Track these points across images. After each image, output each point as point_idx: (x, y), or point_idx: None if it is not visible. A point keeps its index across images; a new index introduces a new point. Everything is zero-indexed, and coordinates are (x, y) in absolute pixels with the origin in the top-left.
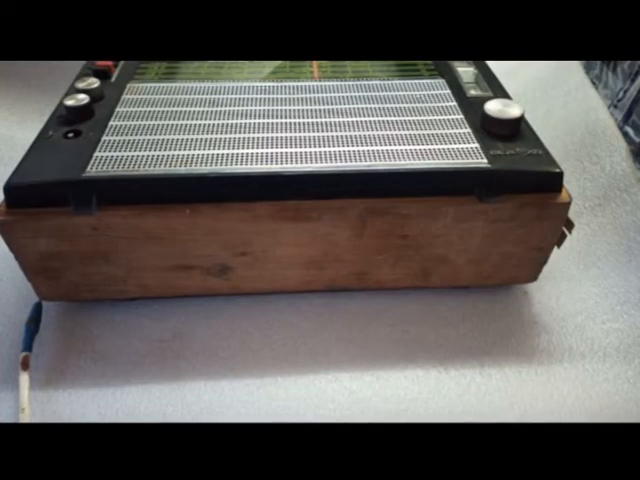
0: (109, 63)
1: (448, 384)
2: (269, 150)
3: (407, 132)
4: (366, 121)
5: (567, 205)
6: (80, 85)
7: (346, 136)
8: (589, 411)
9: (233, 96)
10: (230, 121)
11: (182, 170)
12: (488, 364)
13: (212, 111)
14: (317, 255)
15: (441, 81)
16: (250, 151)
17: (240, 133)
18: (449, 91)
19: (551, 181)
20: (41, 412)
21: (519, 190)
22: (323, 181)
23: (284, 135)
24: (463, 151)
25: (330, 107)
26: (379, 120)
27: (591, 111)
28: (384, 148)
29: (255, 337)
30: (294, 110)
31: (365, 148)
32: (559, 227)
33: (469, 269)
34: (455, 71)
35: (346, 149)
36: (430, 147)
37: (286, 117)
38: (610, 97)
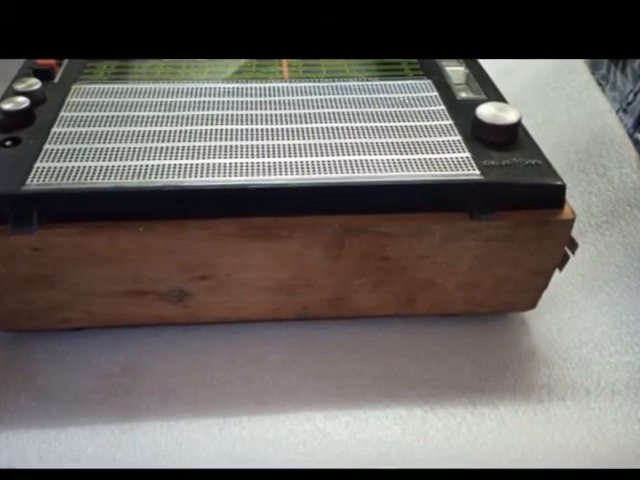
0: (52, 62)
1: (435, 425)
2: (233, 160)
3: (389, 140)
4: (342, 127)
5: (570, 222)
6: (19, 87)
7: (320, 144)
8: (595, 455)
9: (192, 99)
10: (189, 127)
11: (134, 183)
12: (481, 402)
13: (168, 116)
14: (287, 279)
15: (427, 82)
16: (211, 161)
17: (200, 141)
18: (436, 93)
19: (552, 195)
20: None
21: (515, 205)
22: (294, 195)
23: (249, 143)
24: (452, 161)
25: (302, 111)
26: (357, 126)
27: (597, 116)
28: (362, 158)
29: (217, 372)
30: (261, 115)
31: (341, 158)
32: (561, 247)
33: (459, 295)
34: (443, 71)
35: (320, 159)
36: (415, 157)
37: (252, 123)
38: (619, 100)
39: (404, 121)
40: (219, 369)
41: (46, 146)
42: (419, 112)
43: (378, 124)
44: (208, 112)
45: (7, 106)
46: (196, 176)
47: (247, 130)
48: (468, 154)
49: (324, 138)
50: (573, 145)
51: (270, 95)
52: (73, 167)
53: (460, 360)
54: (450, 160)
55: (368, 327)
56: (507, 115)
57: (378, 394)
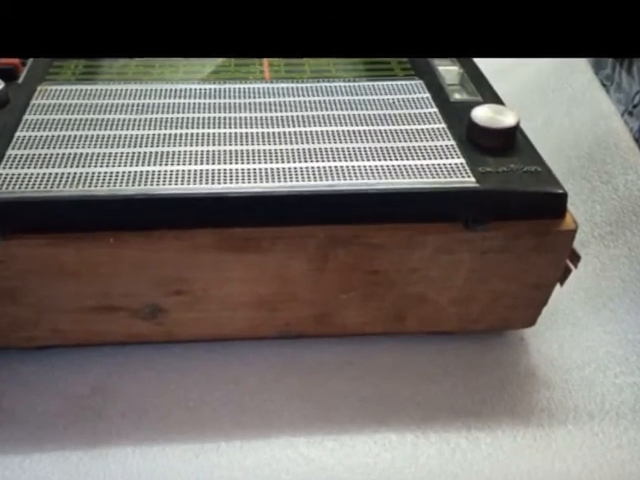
0: (15, 61)
1: (427, 451)
2: (209, 166)
3: (377, 145)
4: (327, 131)
5: (572, 233)
6: None
7: (303, 149)
8: None
9: (166, 101)
10: (162, 131)
11: (104, 191)
12: (476, 427)
13: (141, 119)
14: (268, 294)
15: (419, 82)
16: (187, 168)
17: (175, 146)
18: (428, 95)
19: (552, 204)
20: None
21: (513, 215)
22: (275, 204)
23: (228, 148)
24: (445, 168)
25: (284, 114)
26: (343, 130)
27: (601, 119)
28: (349, 164)
29: (193, 394)
30: (240, 118)
31: (326, 164)
32: (562, 260)
33: (453, 311)
34: (436, 70)
35: (303, 165)
36: (405, 163)
37: (230, 126)
38: (624, 102)
39: (394, 124)
40: (195, 390)
41: (9, 152)
42: (410, 115)
43: (366, 128)
44: (183, 115)
45: None
46: (170, 184)
47: (225, 134)
48: (462, 160)
49: (308, 143)
50: (575, 150)
51: (250, 97)
52: (38, 174)
53: (454, 381)
54: (443, 166)
55: (355, 346)
56: (504, 118)
57: (366, 418)
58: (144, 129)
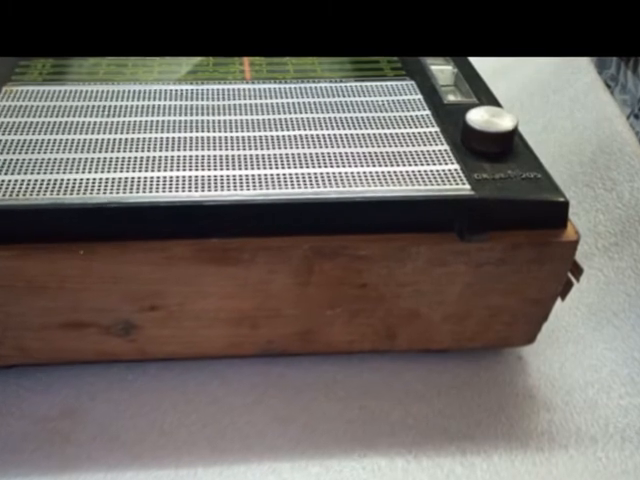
0: None
1: (419, 477)
2: (186, 173)
3: (365, 150)
4: (312, 135)
5: (574, 244)
6: None
7: (286, 155)
8: None
9: (140, 103)
10: (136, 135)
11: (74, 199)
12: (471, 451)
13: (113, 122)
14: (249, 309)
15: (410, 83)
16: (161, 174)
17: (149, 151)
18: (420, 96)
19: (553, 213)
20: None
21: (511, 225)
22: (257, 213)
23: (206, 153)
24: (439, 174)
25: (266, 117)
26: (329, 134)
27: (605, 122)
28: (336, 170)
29: (168, 416)
30: (219, 121)
31: (311, 170)
32: (563, 273)
33: (447, 328)
34: (428, 70)
35: (286, 171)
36: (395, 169)
37: (209, 130)
38: (630, 104)
39: (383, 128)
40: (171, 412)
41: None
42: (400, 118)
43: (353, 131)
44: (158, 118)
45: None
46: (144, 191)
47: (203, 138)
48: (457, 166)
49: (291, 148)
50: (577, 155)
51: (229, 98)
52: (3, 181)
53: (448, 403)
54: (436, 173)
55: (342, 364)
56: (501, 121)
57: (353, 441)
58: (116, 133)
